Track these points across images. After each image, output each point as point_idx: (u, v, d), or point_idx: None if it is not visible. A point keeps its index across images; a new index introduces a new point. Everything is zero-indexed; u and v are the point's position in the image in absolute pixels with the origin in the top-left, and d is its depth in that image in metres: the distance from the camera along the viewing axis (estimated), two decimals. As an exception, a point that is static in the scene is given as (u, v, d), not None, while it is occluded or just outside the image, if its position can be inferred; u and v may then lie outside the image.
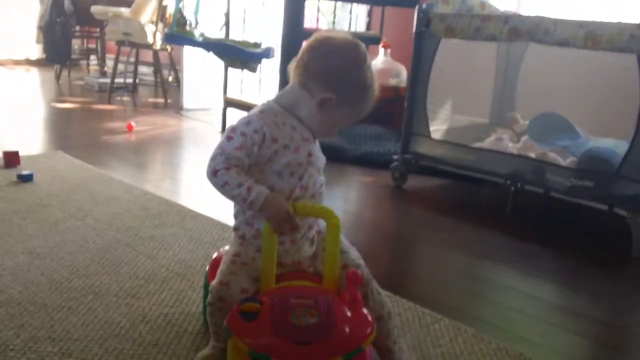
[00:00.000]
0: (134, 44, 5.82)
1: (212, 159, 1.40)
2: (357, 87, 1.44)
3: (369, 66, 1.46)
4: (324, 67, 1.42)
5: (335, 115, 1.45)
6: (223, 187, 1.39)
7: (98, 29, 6.94)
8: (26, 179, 2.96)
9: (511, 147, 3.13)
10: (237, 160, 1.39)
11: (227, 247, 1.67)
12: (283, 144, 1.41)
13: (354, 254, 1.53)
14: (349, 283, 1.35)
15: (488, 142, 3.19)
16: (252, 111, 1.47)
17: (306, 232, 1.49)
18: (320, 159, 1.52)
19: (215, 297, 1.40)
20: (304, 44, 1.54)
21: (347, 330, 1.27)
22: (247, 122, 1.42)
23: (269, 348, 1.23)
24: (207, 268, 1.67)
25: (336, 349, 1.25)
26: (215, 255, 1.68)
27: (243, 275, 1.42)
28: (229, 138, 1.40)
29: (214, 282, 1.43)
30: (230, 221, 2.49)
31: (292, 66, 1.48)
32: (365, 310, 1.34)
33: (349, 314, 1.30)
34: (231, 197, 1.41)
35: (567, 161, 2.87)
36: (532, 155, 2.97)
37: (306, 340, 1.24)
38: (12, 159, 3.18)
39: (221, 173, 1.38)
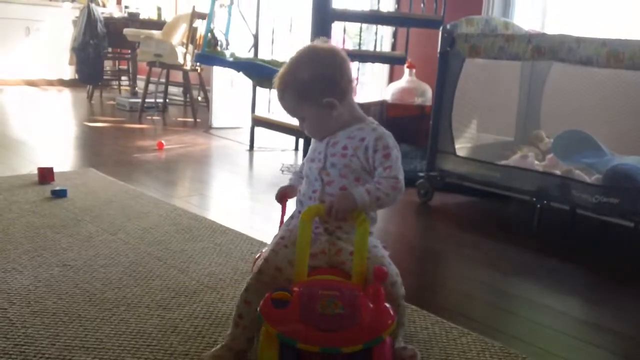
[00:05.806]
0: (165, 64, 5.93)
1: None
2: None
3: None
4: None
5: None
6: None
7: (130, 51, 7.07)
8: (60, 194, 3.03)
9: (536, 164, 3.14)
10: (301, 166, 1.77)
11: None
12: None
13: (381, 252, 1.64)
14: (375, 279, 1.44)
15: (513, 160, 3.20)
16: None
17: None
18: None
19: (260, 268, 1.56)
20: None
21: (369, 320, 1.37)
22: None
23: (297, 333, 1.35)
24: (252, 266, 1.78)
25: (358, 337, 1.36)
26: (258, 255, 1.78)
27: (282, 256, 1.56)
28: None
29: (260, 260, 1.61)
30: (259, 236, 2.56)
31: None
32: (387, 304, 1.43)
33: (371, 306, 1.40)
34: None
35: (593, 178, 2.87)
36: (558, 172, 2.97)
37: (331, 328, 1.35)
38: (46, 175, 3.26)
39: None
